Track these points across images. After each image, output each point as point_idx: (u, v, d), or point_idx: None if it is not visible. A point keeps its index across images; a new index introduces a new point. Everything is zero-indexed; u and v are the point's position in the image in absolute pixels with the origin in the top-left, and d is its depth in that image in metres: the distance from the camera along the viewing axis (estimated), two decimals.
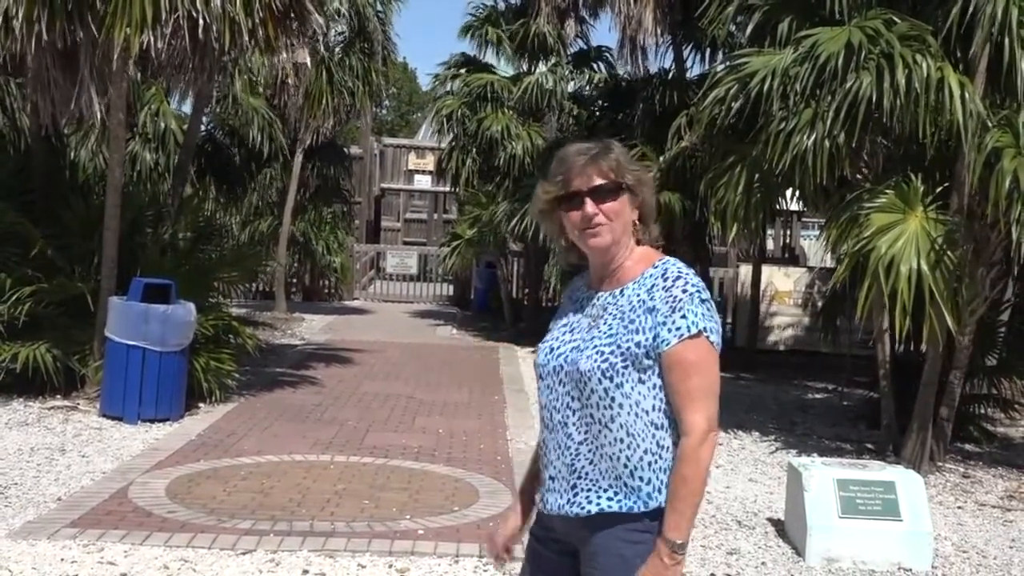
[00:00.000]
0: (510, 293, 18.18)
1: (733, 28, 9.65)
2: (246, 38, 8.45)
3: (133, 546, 5.04)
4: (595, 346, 2.34)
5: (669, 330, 2.28)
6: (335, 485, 6.43)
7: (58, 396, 8.62)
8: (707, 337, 2.30)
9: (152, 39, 8.04)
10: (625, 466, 2.31)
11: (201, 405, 8.80)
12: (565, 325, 2.49)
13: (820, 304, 12.58)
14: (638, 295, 2.34)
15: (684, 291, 2.30)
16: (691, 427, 2.27)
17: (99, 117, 8.50)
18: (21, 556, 4.84)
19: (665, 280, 2.32)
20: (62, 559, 4.82)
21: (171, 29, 8.08)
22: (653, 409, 2.31)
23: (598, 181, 2.34)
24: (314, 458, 7.17)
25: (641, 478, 2.31)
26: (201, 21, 8.12)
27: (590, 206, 2.34)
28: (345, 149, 21.28)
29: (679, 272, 2.34)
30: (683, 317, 2.28)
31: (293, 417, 8.65)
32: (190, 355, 8.54)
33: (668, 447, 2.32)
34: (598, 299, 2.43)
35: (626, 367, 2.29)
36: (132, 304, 8.09)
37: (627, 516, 2.31)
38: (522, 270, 19.19)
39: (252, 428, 8.09)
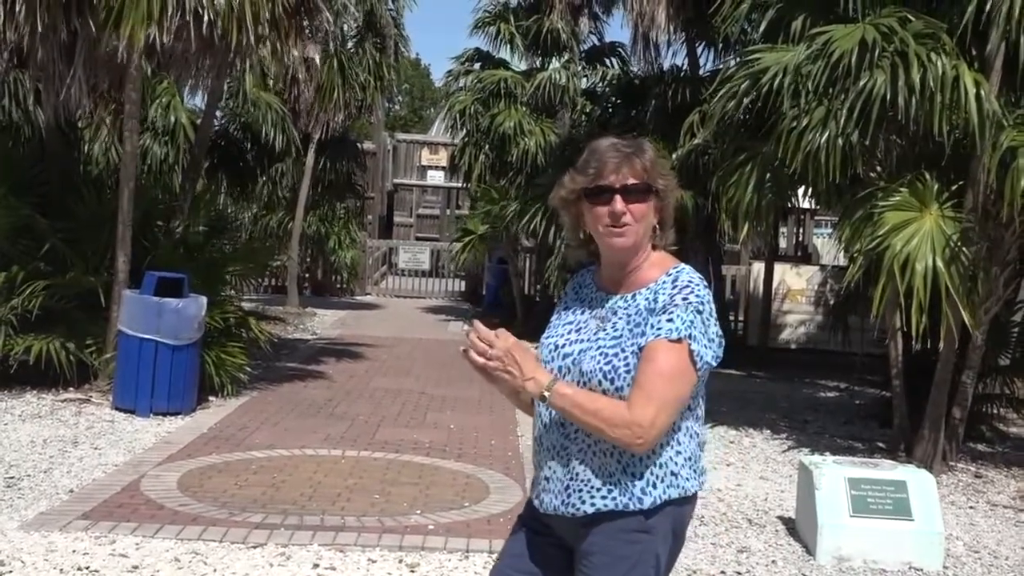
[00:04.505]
0: (522, 289, 18.16)
1: (747, 25, 9.61)
2: (251, 37, 8.41)
3: (145, 538, 5.06)
4: (599, 347, 2.35)
5: (651, 326, 2.29)
6: (346, 480, 6.45)
7: (71, 389, 8.65)
8: (688, 346, 2.27)
9: (158, 34, 8.05)
10: (618, 463, 2.32)
11: (212, 399, 8.83)
12: (571, 323, 2.48)
13: (832, 302, 12.55)
14: (647, 300, 2.35)
15: (684, 299, 2.30)
16: (639, 418, 2.23)
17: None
18: (34, 547, 4.86)
19: (674, 288, 2.33)
20: (74, 551, 4.84)
21: (177, 25, 8.07)
22: None
23: (631, 180, 2.34)
24: (325, 453, 7.19)
25: (634, 474, 2.32)
26: (207, 18, 8.12)
27: (619, 203, 2.33)
28: (358, 144, 21.29)
29: (688, 281, 2.34)
30: (669, 320, 2.28)
31: (304, 412, 8.67)
32: (202, 349, 8.57)
33: (661, 444, 2.33)
34: (608, 301, 2.43)
35: (628, 371, 2.30)
36: (145, 298, 8.12)
37: (622, 514, 2.32)
38: (534, 266, 19.15)
39: (263, 422, 8.12)
